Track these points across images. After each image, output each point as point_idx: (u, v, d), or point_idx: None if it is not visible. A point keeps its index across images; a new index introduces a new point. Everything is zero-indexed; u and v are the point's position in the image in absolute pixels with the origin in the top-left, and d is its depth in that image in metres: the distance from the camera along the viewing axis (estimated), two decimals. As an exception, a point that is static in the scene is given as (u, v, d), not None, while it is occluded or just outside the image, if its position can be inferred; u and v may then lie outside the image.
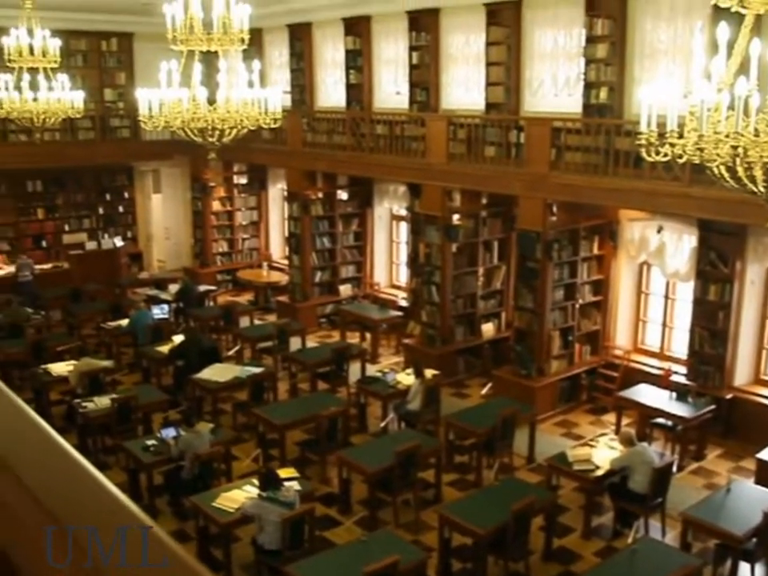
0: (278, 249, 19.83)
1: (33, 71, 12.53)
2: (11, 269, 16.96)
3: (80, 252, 18.17)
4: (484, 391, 12.95)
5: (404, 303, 15.69)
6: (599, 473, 9.01)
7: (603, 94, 11.95)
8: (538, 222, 11.60)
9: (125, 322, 14.30)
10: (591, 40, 11.99)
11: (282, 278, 18.04)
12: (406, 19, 14.71)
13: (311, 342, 14.77)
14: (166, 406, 11.55)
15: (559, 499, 9.33)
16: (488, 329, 13.94)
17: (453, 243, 13.41)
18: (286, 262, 18.12)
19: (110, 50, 18.94)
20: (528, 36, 12.98)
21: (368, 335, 15.07)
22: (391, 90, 15.60)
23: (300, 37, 17.31)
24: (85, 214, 19.42)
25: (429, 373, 11.53)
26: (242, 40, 7.82)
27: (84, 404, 10.65)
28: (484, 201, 13.76)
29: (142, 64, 18.35)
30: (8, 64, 12.42)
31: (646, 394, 11.09)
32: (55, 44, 12.42)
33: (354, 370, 12.95)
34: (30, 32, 12.28)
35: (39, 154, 16.82)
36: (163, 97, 7.98)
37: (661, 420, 10.85)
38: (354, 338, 14.95)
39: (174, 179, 20.33)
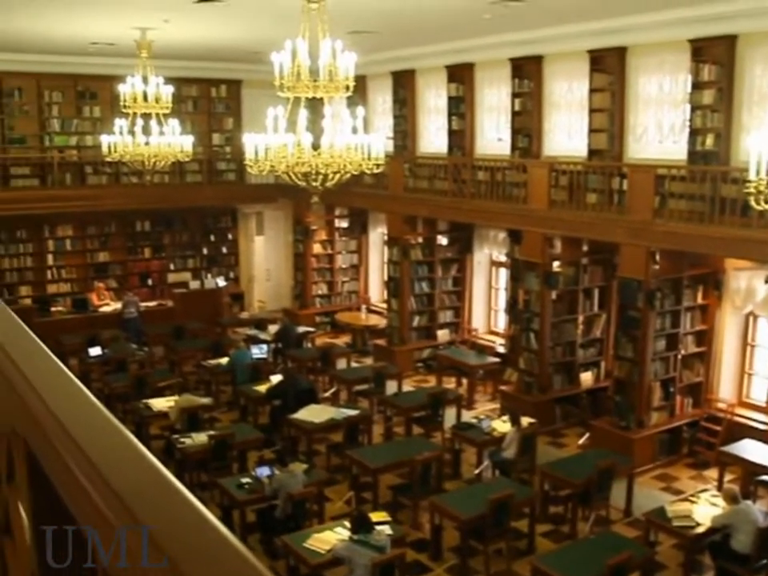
0: (376, 292, 19.97)
1: (146, 116, 13.05)
2: (118, 305, 17.48)
3: (184, 291, 18.64)
4: (581, 441, 12.71)
5: (501, 350, 15.57)
6: (700, 530, 8.71)
7: (709, 140, 11.72)
8: (640, 270, 11.40)
9: (225, 360, 14.56)
10: (697, 86, 11.80)
11: (379, 322, 18.12)
12: (509, 66, 14.78)
13: (407, 386, 14.77)
14: (261, 444, 11.68)
15: (657, 556, 9.05)
16: (586, 378, 13.70)
17: (552, 290, 13.28)
18: (384, 305, 18.20)
19: (219, 96, 19.56)
20: (632, 82, 12.88)
21: (464, 381, 14.99)
22: (493, 136, 15.64)
23: (403, 84, 17.55)
24: (190, 254, 19.95)
25: (525, 421, 11.38)
26: (347, 87, 7.97)
27: (182, 439, 10.85)
28: (585, 248, 13.61)
29: (250, 110, 18.86)
30: (123, 110, 12.99)
31: (751, 450, 10.71)
32: (168, 91, 12.92)
33: (450, 416, 12.87)
34: (145, 79, 12.83)
35: (148, 195, 17.40)
36: (269, 142, 8.17)
37: (766, 477, 10.46)
38: (450, 384, 14.89)
39: (276, 222, 20.72)
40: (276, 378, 13.27)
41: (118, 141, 13.17)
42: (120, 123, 13.09)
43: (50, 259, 18.37)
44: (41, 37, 14.15)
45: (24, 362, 1.42)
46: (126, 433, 1.08)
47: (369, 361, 16.50)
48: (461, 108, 16.15)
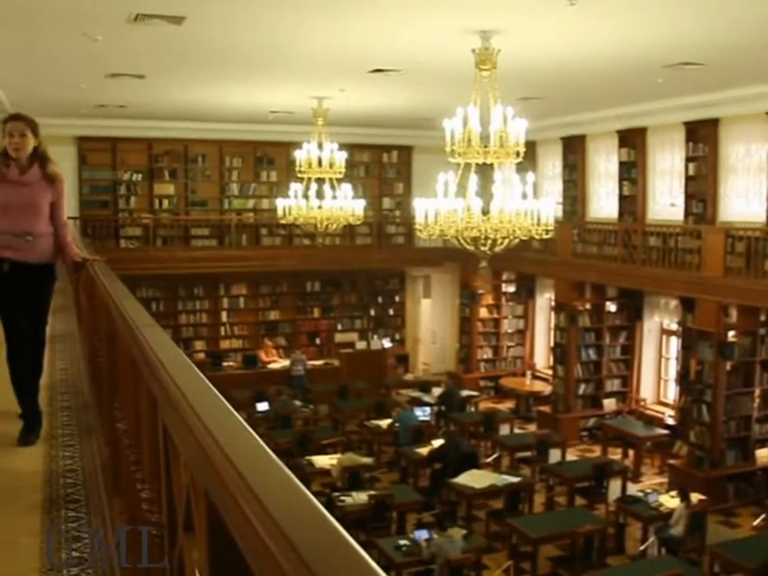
0: (542, 358, 19.70)
1: (319, 181, 13.53)
2: (286, 362, 17.98)
3: (350, 351, 18.97)
4: (756, 522, 12.01)
5: (671, 421, 14.99)
6: None
7: None
8: (823, 344, 10.81)
9: (388, 421, 14.66)
10: None
11: (544, 388, 17.87)
12: (682, 130, 14.47)
13: (571, 456, 14.42)
14: (420, 507, 11.64)
15: None
16: (763, 454, 12.99)
17: (727, 361, 12.74)
18: (549, 371, 17.96)
19: (390, 162, 20.06)
20: (816, 147, 12.34)
21: (631, 452, 14.52)
22: (665, 201, 15.28)
23: (573, 149, 17.47)
24: (357, 314, 20.34)
25: (695, 497, 10.89)
26: (518, 153, 8.02)
27: (343, 498, 10.95)
28: (762, 318, 13.03)
29: (420, 175, 19.21)
30: (298, 174, 13.53)
31: None
32: (341, 156, 13.37)
33: (614, 488, 12.46)
34: (320, 146, 13.34)
35: (319, 256, 17.92)
36: (439, 206, 8.29)
37: None
38: (615, 455, 14.44)
39: (443, 285, 20.86)
40: (438, 441, 13.25)
41: (293, 204, 13.70)
42: (295, 187, 13.64)
43: (223, 316, 19.18)
44: (225, 107, 15.00)
45: (207, 417, 1.49)
46: (306, 491, 1.12)
47: (532, 427, 16.26)
48: (632, 173, 15.90)
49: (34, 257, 4.73)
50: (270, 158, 18.97)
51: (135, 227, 18.14)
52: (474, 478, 11.84)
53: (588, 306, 16.25)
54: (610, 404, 16.29)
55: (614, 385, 16.57)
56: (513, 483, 11.73)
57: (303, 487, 1.14)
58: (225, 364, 18.21)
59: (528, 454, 13.68)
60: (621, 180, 16.16)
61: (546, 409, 16.67)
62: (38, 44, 9.53)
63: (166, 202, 18.44)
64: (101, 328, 4.71)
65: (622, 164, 16.12)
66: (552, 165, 18.44)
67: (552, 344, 17.71)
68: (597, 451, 15.00)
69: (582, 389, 16.29)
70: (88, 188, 17.79)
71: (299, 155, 13.46)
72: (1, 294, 4.74)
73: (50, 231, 4.83)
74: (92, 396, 5.61)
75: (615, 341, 16.47)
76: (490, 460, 14.18)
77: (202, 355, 18.41)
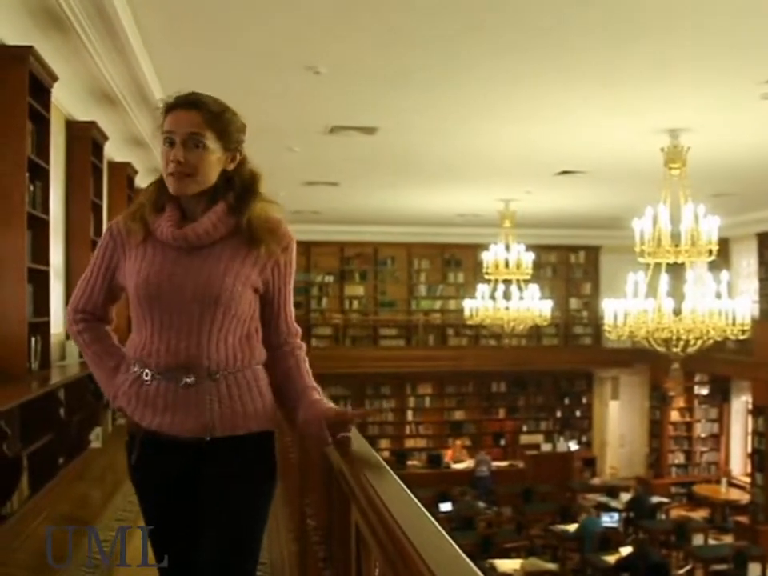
0: (738, 465, 18.72)
1: (506, 282, 13.68)
2: (470, 463, 17.89)
3: (535, 453, 18.72)
4: None
5: None
6: None
7: None
8: None
9: (573, 526, 14.25)
10: None
11: (741, 497, 16.91)
12: None
13: (773, 571, 13.52)
14: (610, 618, 11.20)
15: None
16: None
17: None
18: (747, 479, 17.02)
19: (577, 262, 19.97)
20: None
21: (842, 571, 13.47)
22: None
23: (769, 245, 16.90)
24: (543, 416, 20.06)
25: None
26: (710, 251, 7.88)
27: (529, 604, 10.71)
28: None
29: (608, 275, 18.98)
30: (485, 276, 13.74)
31: None
32: (528, 258, 13.51)
33: (825, 609, 11.57)
34: (507, 247, 13.54)
35: (506, 357, 17.93)
36: (629, 307, 8.22)
37: None
38: (824, 573, 13.43)
39: (632, 387, 20.29)
40: (626, 550, 12.75)
41: (480, 305, 13.88)
42: (482, 289, 13.84)
43: (409, 415, 19.39)
44: (413, 210, 15.51)
45: (402, 520, 1.55)
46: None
47: (728, 539, 15.34)
48: (833, 270, 15.20)
49: (201, 425, 2.16)
50: (457, 260, 19.31)
51: (326, 327, 18.82)
52: (667, 591, 11.31)
53: (789, 411, 15.43)
54: (816, 517, 15.24)
55: (820, 497, 15.52)
56: (710, 598, 11.12)
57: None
58: (409, 463, 18.31)
59: (724, 567, 12.90)
60: (820, 277, 15.47)
61: (743, 519, 15.75)
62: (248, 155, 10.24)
63: (355, 303, 19.05)
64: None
65: (822, 261, 15.45)
66: (747, 262, 17.83)
67: (750, 450, 16.84)
68: (803, 568, 14.00)
69: (784, 499, 15.35)
70: (283, 290, 18.63)
71: (486, 257, 13.69)
72: (152, 513, 2.32)
73: (258, 357, 2.28)
74: (282, 491, 5.74)
75: (820, 449, 15.50)
76: (682, 572, 13.49)
77: (386, 453, 18.58)
